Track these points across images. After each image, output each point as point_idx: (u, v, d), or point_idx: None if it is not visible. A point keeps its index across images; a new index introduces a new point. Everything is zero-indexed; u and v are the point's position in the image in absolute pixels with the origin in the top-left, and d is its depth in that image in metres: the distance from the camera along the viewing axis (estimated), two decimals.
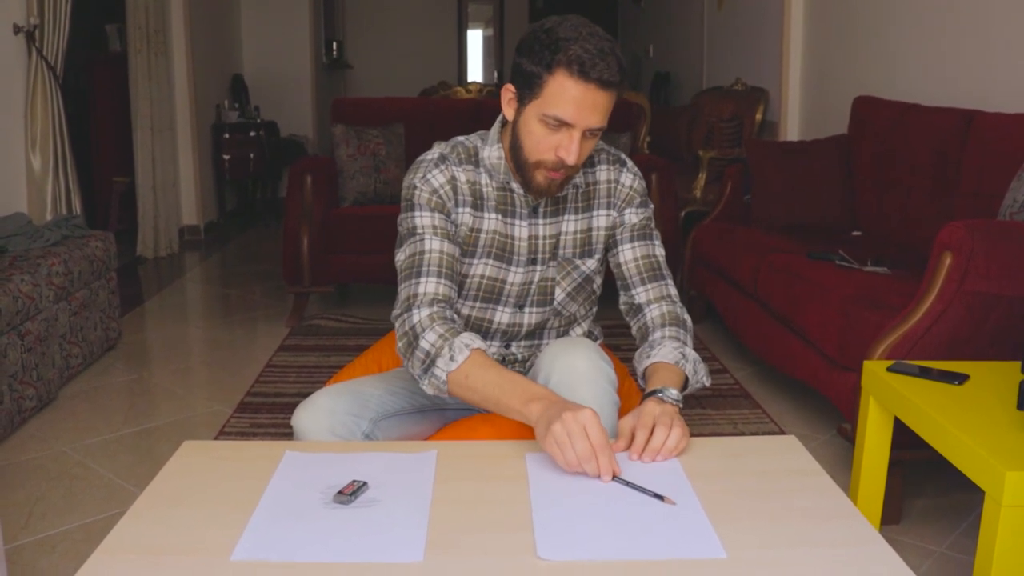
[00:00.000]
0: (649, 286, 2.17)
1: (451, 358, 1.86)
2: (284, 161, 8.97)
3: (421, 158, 2.14)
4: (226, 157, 8.39)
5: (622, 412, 1.95)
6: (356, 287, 6.02)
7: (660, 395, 1.87)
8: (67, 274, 4.00)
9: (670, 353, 2.01)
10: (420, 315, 1.94)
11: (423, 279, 1.99)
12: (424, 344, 1.90)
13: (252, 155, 8.54)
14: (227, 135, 8.41)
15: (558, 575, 1.34)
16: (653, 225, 2.23)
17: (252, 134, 8.59)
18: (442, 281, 2.00)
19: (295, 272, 5.08)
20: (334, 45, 11.23)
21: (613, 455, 1.63)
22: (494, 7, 13.29)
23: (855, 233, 4.46)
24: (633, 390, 2.35)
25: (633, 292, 2.17)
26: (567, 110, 1.87)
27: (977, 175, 3.63)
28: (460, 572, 1.35)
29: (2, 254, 3.97)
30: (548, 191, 2.03)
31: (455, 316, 1.98)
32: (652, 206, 2.23)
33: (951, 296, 2.69)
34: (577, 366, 1.89)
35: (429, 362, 1.89)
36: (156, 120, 7.04)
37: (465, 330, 1.94)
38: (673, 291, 2.18)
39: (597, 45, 1.86)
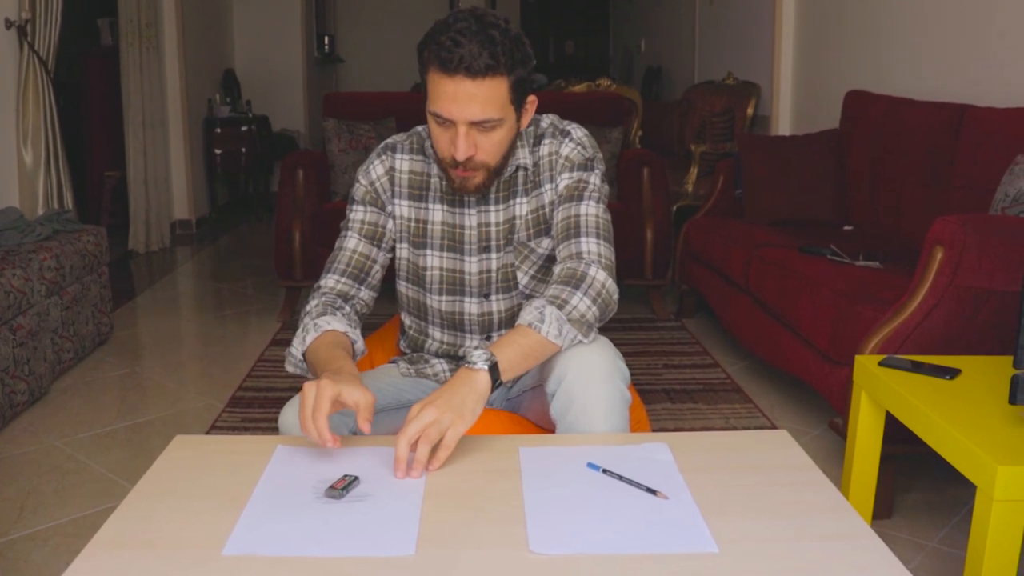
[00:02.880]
0: (562, 245, 2.03)
1: (304, 338, 1.93)
2: (276, 155, 8.95)
3: (374, 149, 2.18)
4: (218, 151, 8.38)
5: (628, 409, 1.95)
6: None
7: (467, 364, 1.76)
8: (59, 268, 3.99)
9: (528, 314, 1.86)
10: (310, 304, 2.02)
11: (329, 275, 2.08)
12: (300, 327, 1.98)
13: (244, 149, 8.53)
14: (219, 129, 8.39)
15: (550, 569, 1.34)
16: (592, 187, 2.07)
17: (244, 128, 8.57)
18: (342, 279, 2.08)
19: (287, 266, 5.07)
20: (326, 39, 11.21)
21: (318, 419, 1.62)
22: (485, 2, 13.28)
23: (847, 227, 4.47)
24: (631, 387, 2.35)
25: (557, 256, 2.06)
26: (442, 106, 1.86)
27: (969, 169, 3.63)
28: (452, 566, 1.35)
29: None
30: (467, 189, 2.00)
31: (343, 305, 2.04)
32: (597, 170, 2.10)
33: (943, 290, 2.69)
34: (593, 363, 1.87)
35: (291, 343, 1.97)
36: (148, 114, 7.02)
37: (346, 315, 2.02)
38: (584, 247, 1.99)
39: (461, 28, 1.81)
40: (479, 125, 1.88)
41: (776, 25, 6.22)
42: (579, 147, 2.10)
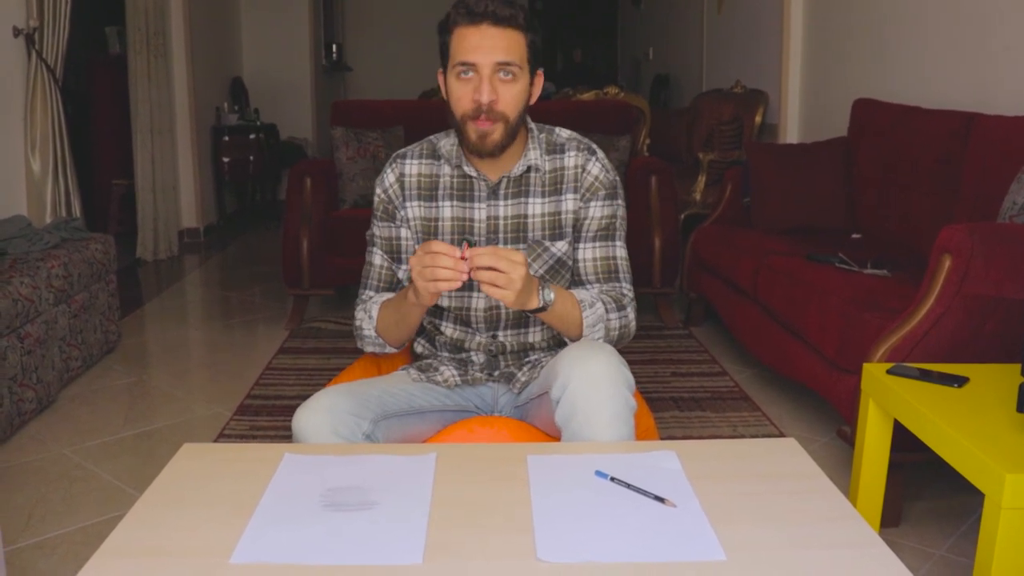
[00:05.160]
0: (604, 285, 2.22)
1: (370, 317, 2.23)
2: (284, 163, 8.97)
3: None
4: (226, 160, 8.39)
5: (636, 416, 1.95)
6: (355, 289, 6.00)
7: (540, 286, 1.98)
8: (67, 277, 4.00)
9: (584, 296, 2.12)
10: (357, 311, 2.29)
11: (367, 292, 2.31)
12: (357, 323, 2.27)
13: (252, 157, 8.54)
14: (227, 137, 8.41)
15: None
16: (619, 223, 2.25)
17: (252, 136, 8.58)
18: (377, 294, 2.30)
19: (295, 274, 5.08)
20: (334, 47, 11.24)
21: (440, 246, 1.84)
22: None
23: (855, 235, 4.46)
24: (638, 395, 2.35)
25: (586, 287, 2.22)
26: (469, 53, 2.03)
27: (977, 178, 3.62)
28: (460, 574, 1.35)
29: (2, 256, 3.96)
30: (484, 146, 2.09)
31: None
32: (621, 202, 2.26)
33: (951, 298, 2.69)
34: (597, 370, 1.89)
35: (360, 330, 2.26)
36: (156, 122, 7.03)
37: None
38: (626, 291, 2.23)
39: None
40: (502, 69, 2.03)
41: (784, 33, 6.22)
42: (606, 169, 2.24)
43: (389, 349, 2.25)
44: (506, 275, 1.82)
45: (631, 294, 2.23)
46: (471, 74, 2.04)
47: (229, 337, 5.08)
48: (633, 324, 2.20)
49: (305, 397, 2.03)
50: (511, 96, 2.06)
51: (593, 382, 1.88)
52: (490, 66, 2.02)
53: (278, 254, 5.49)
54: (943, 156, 3.90)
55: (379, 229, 2.28)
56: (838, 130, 5.10)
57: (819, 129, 5.77)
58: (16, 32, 5.10)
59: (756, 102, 6.72)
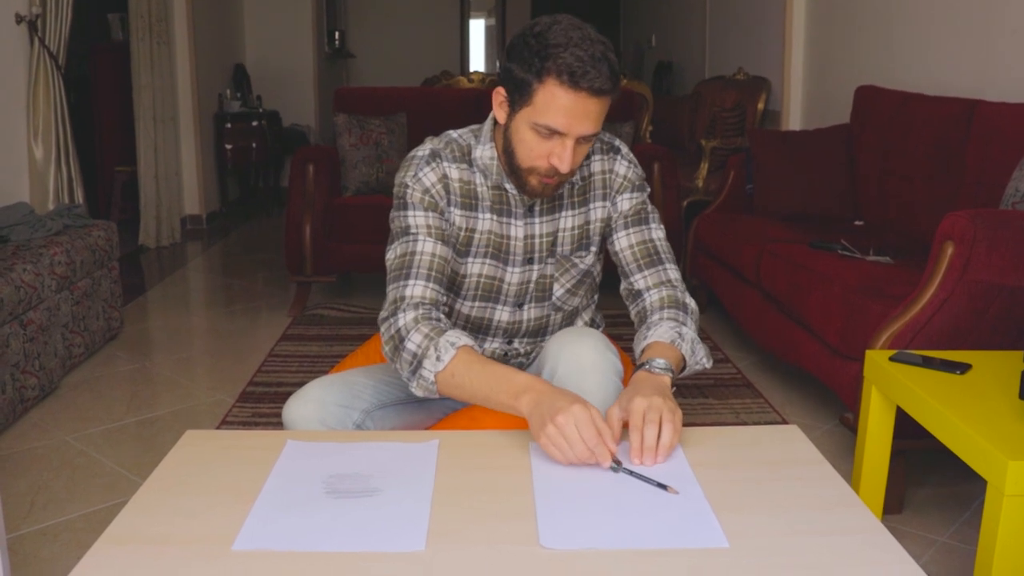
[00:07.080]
0: (647, 272, 2.12)
1: (437, 358, 1.81)
2: (286, 150, 8.95)
3: (412, 154, 2.10)
4: (228, 146, 8.37)
5: None
6: (358, 276, 6.03)
7: (647, 367, 1.84)
8: (69, 263, 4.00)
9: (665, 333, 1.95)
10: (406, 318, 1.89)
11: (411, 281, 1.95)
12: (410, 346, 1.86)
13: (254, 144, 8.53)
14: (229, 124, 8.39)
15: (561, 564, 1.34)
16: (650, 208, 2.17)
17: (254, 123, 8.57)
18: (430, 284, 1.96)
19: (297, 261, 5.08)
20: (336, 34, 11.20)
21: (609, 441, 1.61)
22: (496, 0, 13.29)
23: (857, 222, 4.46)
24: None
25: (632, 279, 2.13)
26: (558, 119, 1.83)
27: (979, 164, 3.62)
28: (462, 561, 1.35)
29: (4, 243, 3.97)
30: (543, 194, 2.00)
31: (441, 317, 1.93)
32: (649, 189, 2.19)
33: (953, 285, 2.69)
34: (583, 356, 1.88)
35: (416, 364, 1.84)
36: (158, 109, 7.03)
37: (454, 328, 1.90)
38: (673, 275, 2.12)
39: (588, 51, 1.80)
40: (583, 139, 1.88)
41: (786, 19, 6.20)
42: (632, 165, 2.16)
43: (434, 397, 1.90)
44: (667, 438, 1.67)
45: (678, 275, 2.13)
46: (552, 136, 1.87)
47: (232, 324, 5.08)
48: (694, 304, 2.11)
49: (301, 384, 2.03)
50: (581, 155, 1.93)
51: (581, 369, 1.88)
52: (576, 136, 1.85)
53: (281, 241, 5.50)
54: (945, 143, 3.90)
55: (423, 219, 2.02)
56: (841, 117, 5.09)
57: (822, 116, 5.76)
58: (19, 19, 5.09)
59: (759, 89, 6.71)
